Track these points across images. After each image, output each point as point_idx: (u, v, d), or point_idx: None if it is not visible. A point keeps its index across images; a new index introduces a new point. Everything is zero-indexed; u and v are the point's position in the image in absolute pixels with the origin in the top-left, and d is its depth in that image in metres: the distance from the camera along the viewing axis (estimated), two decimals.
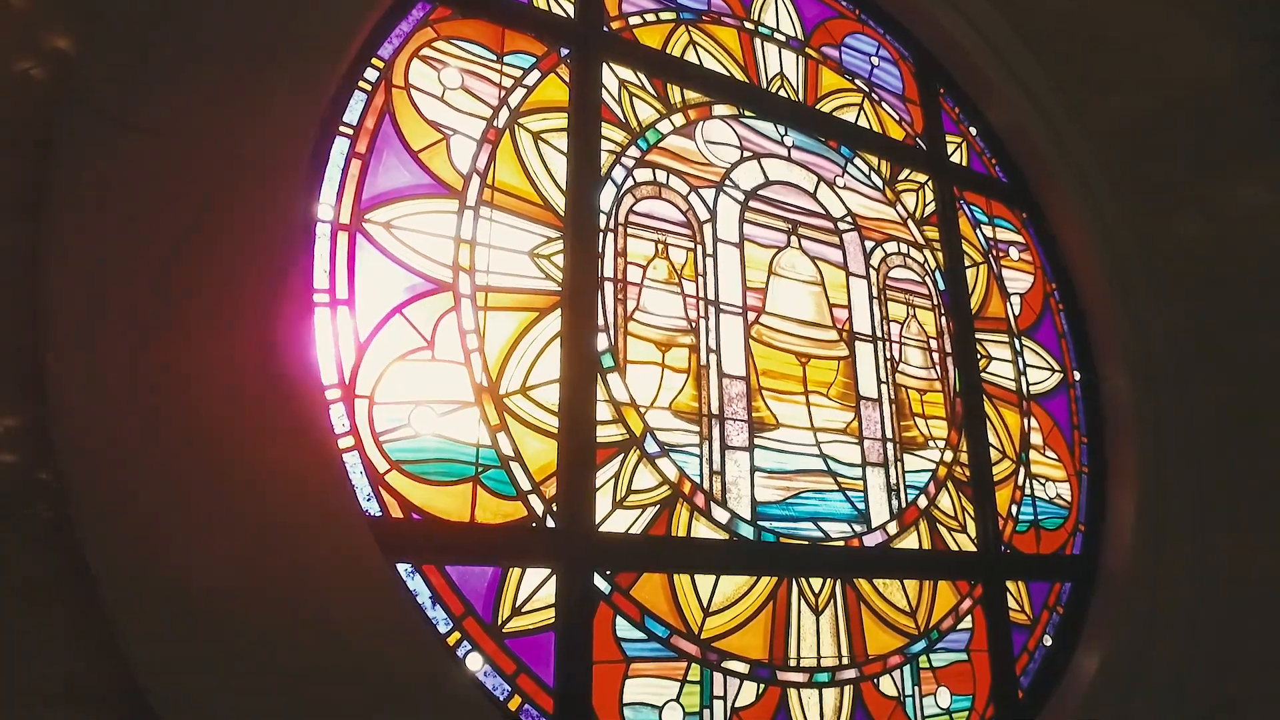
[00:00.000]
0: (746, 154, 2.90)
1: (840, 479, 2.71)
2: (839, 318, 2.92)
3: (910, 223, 3.26)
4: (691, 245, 2.66)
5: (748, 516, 2.47)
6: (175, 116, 1.78)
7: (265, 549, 1.68)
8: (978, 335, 3.27)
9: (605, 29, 2.70)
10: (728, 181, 2.81)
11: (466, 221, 2.27)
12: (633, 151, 2.63)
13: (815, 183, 3.04)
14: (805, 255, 2.92)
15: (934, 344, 3.14)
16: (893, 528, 2.76)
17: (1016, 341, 3.40)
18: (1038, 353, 3.47)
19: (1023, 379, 3.36)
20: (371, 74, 2.25)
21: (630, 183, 2.60)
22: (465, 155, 2.32)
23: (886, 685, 2.57)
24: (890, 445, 2.86)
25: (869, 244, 3.09)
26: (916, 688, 2.63)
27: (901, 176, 3.32)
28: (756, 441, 2.57)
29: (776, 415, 2.64)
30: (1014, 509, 3.11)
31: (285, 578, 1.70)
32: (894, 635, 2.64)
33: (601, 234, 2.47)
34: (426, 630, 1.91)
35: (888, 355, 2.98)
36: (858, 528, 2.69)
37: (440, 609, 1.96)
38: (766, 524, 2.50)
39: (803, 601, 2.50)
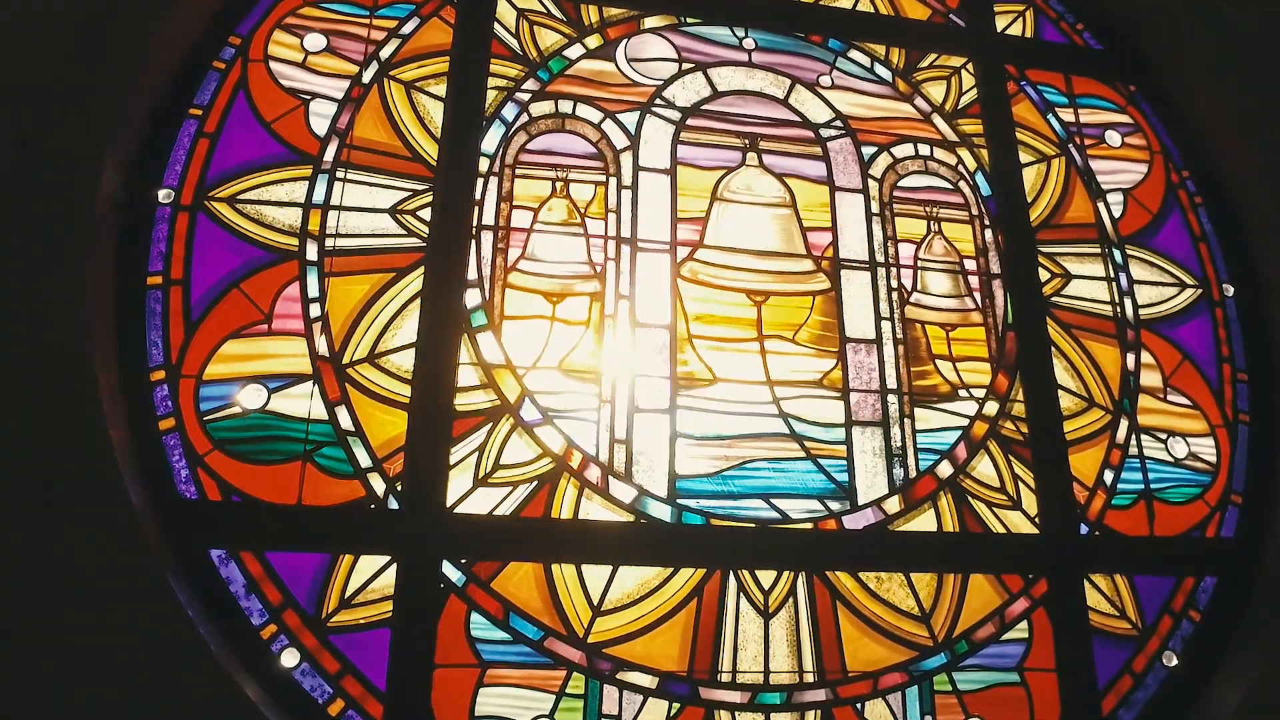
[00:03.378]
0: (687, 66, 2.44)
1: (809, 443, 2.12)
2: (818, 243, 2.33)
3: (936, 117, 2.54)
4: (602, 179, 2.27)
5: (663, 493, 2.00)
6: None
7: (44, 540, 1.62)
8: (1049, 249, 2.45)
9: None
10: (658, 101, 2.38)
11: (319, 186, 2.11)
12: (531, 85, 2.32)
13: (787, 86, 2.48)
14: (769, 173, 2.37)
15: (972, 265, 2.40)
16: (892, 504, 2.10)
17: (1116, 252, 2.50)
18: (1156, 264, 2.53)
19: (1126, 300, 2.45)
20: (229, 52, 2.19)
21: (525, 119, 2.28)
22: (325, 118, 2.17)
23: (877, 711, 1.94)
24: (893, 398, 2.20)
25: (869, 149, 2.45)
26: (929, 717, 1.95)
27: (925, 64, 2.62)
28: (681, 401, 2.09)
29: (713, 368, 2.14)
30: (1108, 476, 2.25)
31: (62, 569, 1.62)
32: (892, 646, 1.99)
33: (482, 179, 2.18)
34: (237, 623, 1.75)
35: (894, 284, 2.32)
36: (835, 506, 2.08)
37: (256, 599, 1.78)
38: (692, 502, 2.01)
39: (744, 599, 1.97)
